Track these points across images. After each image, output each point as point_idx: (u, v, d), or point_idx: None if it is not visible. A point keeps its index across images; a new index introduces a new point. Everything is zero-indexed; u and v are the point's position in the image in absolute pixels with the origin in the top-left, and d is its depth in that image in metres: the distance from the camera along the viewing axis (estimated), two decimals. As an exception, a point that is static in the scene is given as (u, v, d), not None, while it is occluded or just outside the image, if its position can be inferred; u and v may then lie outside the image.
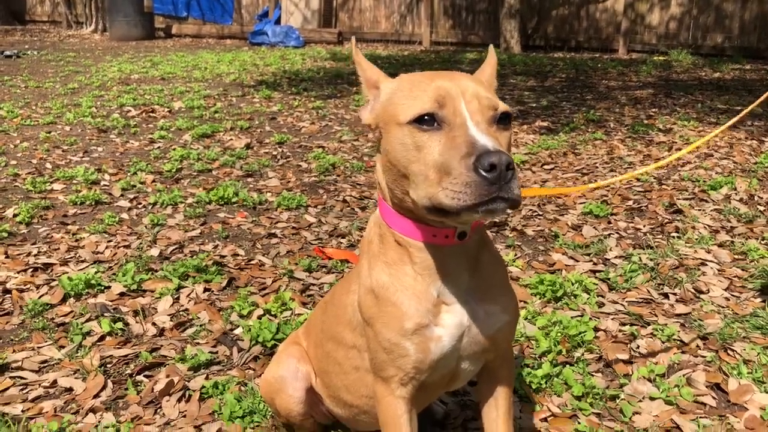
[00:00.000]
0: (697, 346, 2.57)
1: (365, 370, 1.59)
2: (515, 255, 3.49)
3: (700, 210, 4.23)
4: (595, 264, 3.39)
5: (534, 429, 2.05)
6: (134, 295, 3.04)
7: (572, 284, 3.03)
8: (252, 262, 3.42)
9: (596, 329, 2.66)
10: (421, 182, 1.22)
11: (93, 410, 2.15)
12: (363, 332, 1.53)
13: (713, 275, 3.24)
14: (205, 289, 3.06)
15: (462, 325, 1.43)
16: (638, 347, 2.56)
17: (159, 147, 5.91)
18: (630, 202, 4.43)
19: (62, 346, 2.57)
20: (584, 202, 4.42)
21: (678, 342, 2.60)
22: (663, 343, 2.59)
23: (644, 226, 3.97)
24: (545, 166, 5.44)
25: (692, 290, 3.07)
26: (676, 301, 2.98)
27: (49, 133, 6.36)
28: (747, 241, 3.66)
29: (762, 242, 3.66)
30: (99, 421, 2.10)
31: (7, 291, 3.08)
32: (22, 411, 2.18)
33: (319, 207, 4.32)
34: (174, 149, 5.71)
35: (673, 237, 3.77)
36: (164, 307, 2.89)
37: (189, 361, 2.40)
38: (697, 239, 3.70)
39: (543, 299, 2.95)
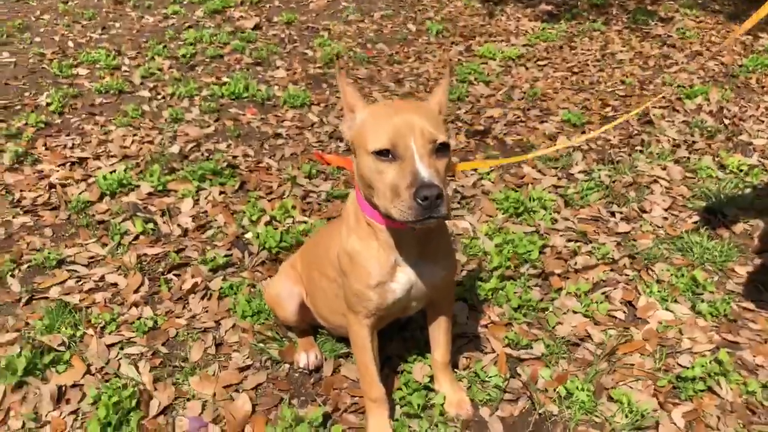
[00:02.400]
0: (625, 265, 3.12)
1: (342, 298, 2.15)
2: (490, 168, 3.97)
3: (669, 121, 4.64)
4: (559, 179, 3.87)
5: (476, 334, 2.65)
6: (160, 194, 3.58)
7: (532, 201, 3.54)
8: (260, 164, 3.92)
9: (544, 246, 3.20)
10: (381, 196, 1.71)
11: (135, 304, 2.76)
12: (340, 275, 2.08)
13: (660, 194, 3.74)
14: (221, 192, 3.60)
15: (410, 281, 1.97)
16: (575, 264, 3.11)
17: (173, 24, 6.20)
18: (608, 109, 4.83)
19: (105, 244, 3.15)
20: (566, 108, 4.82)
21: (610, 260, 3.15)
22: (597, 260, 3.14)
23: (614, 137, 4.40)
24: (539, 62, 5.75)
25: (637, 209, 3.58)
26: (621, 219, 3.50)
27: (66, 3, 6.62)
28: (702, 159, 4.11)
29: (715, 159, 4.11)
30: (141, 314, 2.71)
31: (53, 186, 3.62)
32: (80, 300, 2.79)
33: (321, 105, 4.74)
34: (187, 29, 6.01)
35: (637, 151, 4.22)
36: (186, 209, 3.44)
37: (209, 263, 2.98)
38: (657, 154, 4.15)
39: (506, 214, 3.47)
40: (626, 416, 2.27)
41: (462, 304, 2.79)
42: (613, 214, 3.55)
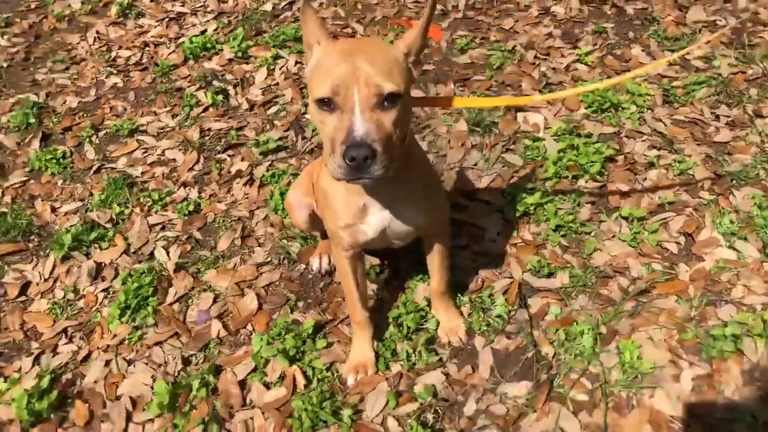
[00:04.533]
0: (703, 186, 2.75)
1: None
2: (593, 46, 3.53)
3: None
4: (670, 65, 3.38)
5: (500, 253, 2.54)
6: (240, 61, 3.61)
7: (626, 93, 3.15)
8: (346, 29, 3.78)
9: (617, 154, 2.88)
10: (325, 147, 1.62)
11: (185, 184, 2.92)
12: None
13: (790, 92, 3.16)
14: (297, 62, 3.55)
15: (382, 224, 1.90)
16: (645, 179, 2.80)
17: None
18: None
19: (175, 115, 3.30)
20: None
21: (688, 177, 2.79)
22: (674, 176, 2.80)
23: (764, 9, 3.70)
24: None
25: (750, 113, 3.07)
26: (726, 124, 3.03)
27: None
28: None
29: None
30: (187, 195, 2.87)
31: (147, 45, 3.77)
32: (141, 173, 3.00)
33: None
34: None
35: (786, 31, 3.54)
36: (260, 79, 3.46)
37: (261, 146, 3.03)
38: (811, 36, 3.46)
39: (589, 109, 3.13)
40: (624, 371, 2.14)
41: (497, 218, 2.66)
42: (717, 117, 3.08)
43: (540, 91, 3.28)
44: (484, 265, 2.50)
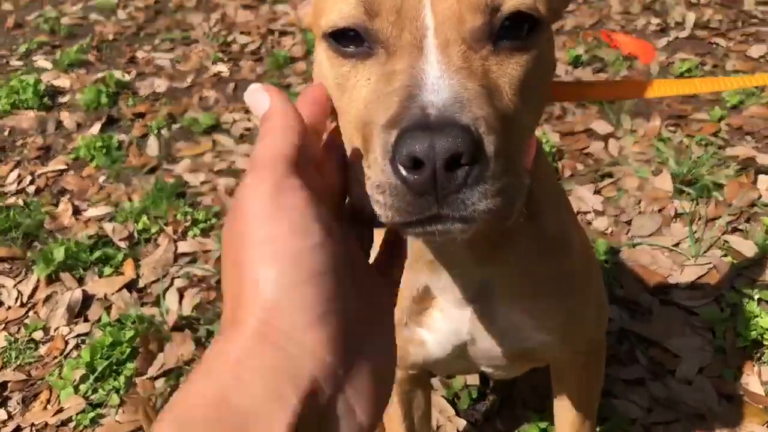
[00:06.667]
0: None
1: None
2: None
3: None
4: None
5: (695, 409, 1.42)
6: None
7: None
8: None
9: None
10: (347, 146, 0.66)
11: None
12: None
13: None
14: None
15: (460, 333, 0.90)
16: None
17: None
18: None
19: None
20: None
21: None
22: None
23: None
24: None
25: None
26: None
27: None
28: None
29: None
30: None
31: (272, 32, 3.07)
32: (201, 183, 2.23)
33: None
34: None
35: None
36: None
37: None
38: None
39: None
40: None
41: (702, 341, 1.54)
42: None
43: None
44: (663, 423, 1.40)
